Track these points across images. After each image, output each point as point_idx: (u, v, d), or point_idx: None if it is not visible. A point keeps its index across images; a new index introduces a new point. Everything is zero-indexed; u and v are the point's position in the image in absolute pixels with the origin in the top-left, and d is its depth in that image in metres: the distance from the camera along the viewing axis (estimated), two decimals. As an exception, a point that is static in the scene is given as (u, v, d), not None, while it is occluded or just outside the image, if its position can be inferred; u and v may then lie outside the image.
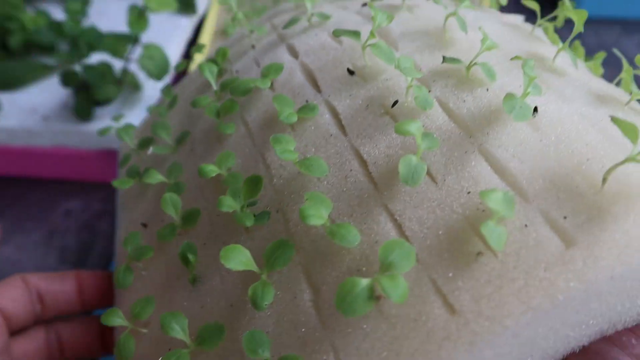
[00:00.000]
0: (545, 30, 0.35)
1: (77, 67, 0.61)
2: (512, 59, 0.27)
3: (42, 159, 0.64)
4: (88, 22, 0.71)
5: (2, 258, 0.59)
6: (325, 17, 0.34)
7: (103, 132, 0.39)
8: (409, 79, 0.26)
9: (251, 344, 0.21)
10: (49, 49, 0.67)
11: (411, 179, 0.23)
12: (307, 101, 0.30)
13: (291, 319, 0.23)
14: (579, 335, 0.22)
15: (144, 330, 0.27)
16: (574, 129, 0.24)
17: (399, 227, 0.23)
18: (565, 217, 0.21)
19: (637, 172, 0.22)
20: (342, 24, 0.34)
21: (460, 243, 0.21)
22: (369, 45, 0.28)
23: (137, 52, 0.62)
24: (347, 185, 0.25)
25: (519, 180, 0.22)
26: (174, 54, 0.75)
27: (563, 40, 0.31)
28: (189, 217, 0.29)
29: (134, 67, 0.64)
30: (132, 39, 0.61)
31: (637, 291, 0.22)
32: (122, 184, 0.34)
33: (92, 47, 0.61)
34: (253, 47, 0.37)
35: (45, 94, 0.64)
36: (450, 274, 0.21)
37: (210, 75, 0.34)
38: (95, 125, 0.61)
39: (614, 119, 0.21)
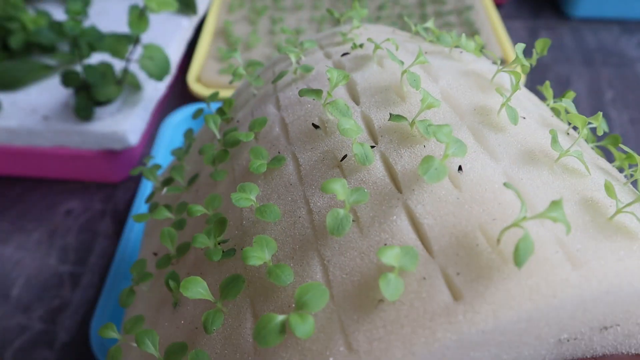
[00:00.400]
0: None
1: (78, 67, 0.60)
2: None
3: (42, 159, 0.64)
4: (88, 22, 0.72)
5: (2, 258, 0.58)
6: (307, 69, 0.39)
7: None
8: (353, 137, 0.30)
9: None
10: (49, 49, 0.67)
11: (337, 229, 0.27)
12: (279, 152, 0.34)
13: (234, 343, 0.27)
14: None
15: (133, 344, 0.33)
16: (491, 188, 0.27)
17: (325, 271, 0.27)
18: (458, 274, 0.24)
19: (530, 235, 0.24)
20: (321, 76, 0.38)
21: (368, 290, 0.25)
22: (327, 104, 0.32)
23: (137, 52, 0.62)
24: (295, 230, 0.30)
25: (429, 237, 0.26)
26: (175, 54, 0.76)
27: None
28: (181, 250, 0.35)
29: (134, 68, 0.64)
30: (132, 39, 0.60)
31: (517, 344, 0.24)
32: (140, 218, 0.40)
33: (92, 47, 0.61)
34: (254, 95, 0.42)
35: (46, 94, 0.64)
36: (355, 317, 0.24)
37: (214, 127, 0.39)
38: (95, 125, 0.62)
39: (506, 184, 0.24)
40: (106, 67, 0.62)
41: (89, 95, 0.59)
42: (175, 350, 0.29)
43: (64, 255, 0.59)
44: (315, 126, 0.34)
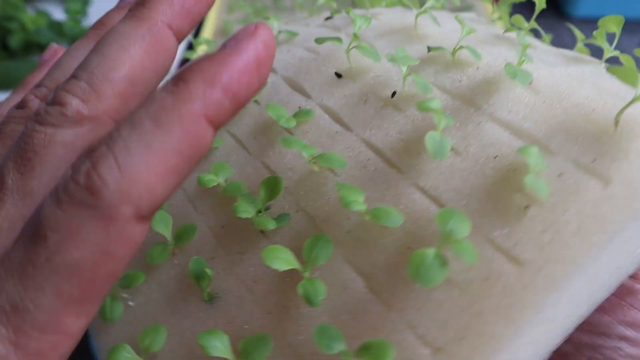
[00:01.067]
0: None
1: None
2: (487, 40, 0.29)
3: None
4: (88, 22, 0.70)
5: None
6: (293, 34, 0.35)
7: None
8: (404, 68, 0.27)
9: (324, 339, 0.19)
10: None
11: (439, 152, 0.23)
12: (299, 107, 0.29)
13: (349, 309, 0.21)
14: (631, 262, 0.22)
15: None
16: (569, 87, 0.26)
17: (437, 200, 0.23)
18: (594, 160, 0.22)
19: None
20: (310, 38, 0.34)
21: (505, 202, 0.21)
22: (353, 47, 0.29)
23: None
24: (368, 173, 0.25)
25: (539, 138, 0.23)
26: (174, 54, 0.76)
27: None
28: (184, 233, 0.27)
29: None
30: None
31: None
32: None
33: None
34: None
35: None
36: (506, 231, 0.21)
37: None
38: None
39: (610, 69, 0.23)
40: None
41: None
42: (254, 346, 0.21)
43: None
44: (338, 75, 0.30)
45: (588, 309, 0.23)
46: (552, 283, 0.19)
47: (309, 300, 0.20)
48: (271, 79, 0.32)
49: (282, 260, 0.21)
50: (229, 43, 0.17)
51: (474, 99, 0.26)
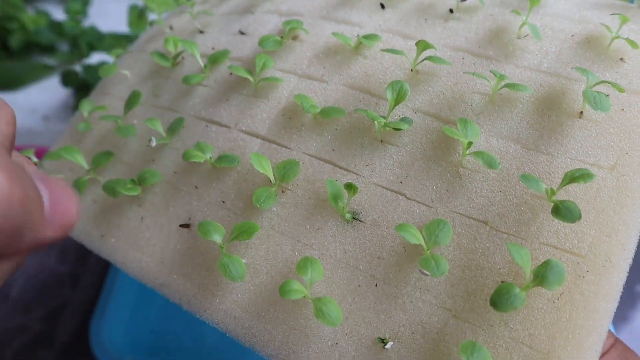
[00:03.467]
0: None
1: (77, 67, 0.60)
2: None
3: (42, 158, 0.53)
4: (88, 22, 0.70)
5: None
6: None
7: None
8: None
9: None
10: (49, 49, 0.67)
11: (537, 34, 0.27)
12: (356, 35, 0.31)
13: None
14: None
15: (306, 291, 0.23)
16: None
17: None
18: None
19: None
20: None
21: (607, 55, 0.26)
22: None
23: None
24: (465, 66, 0.27)
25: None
26: (175, 54, 0.73)
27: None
28: (287, 171, 0.27)
29: None
30: (132, 39, 0.62)
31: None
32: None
33: (92, 47, 0.62)
34: (200, 31, 0.36)
35: (46, 94, 0.65)
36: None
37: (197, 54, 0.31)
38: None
39: None
40: None
41: (88, 95, 0.55)
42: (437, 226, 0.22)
43: (63, 255, 0.56)
44: (382, 5, 0.32)
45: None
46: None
47: (490, 165, 0.23)
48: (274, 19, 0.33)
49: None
50: None
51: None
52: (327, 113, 0.27)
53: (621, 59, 0.26)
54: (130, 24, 0.60)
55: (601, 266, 0.22)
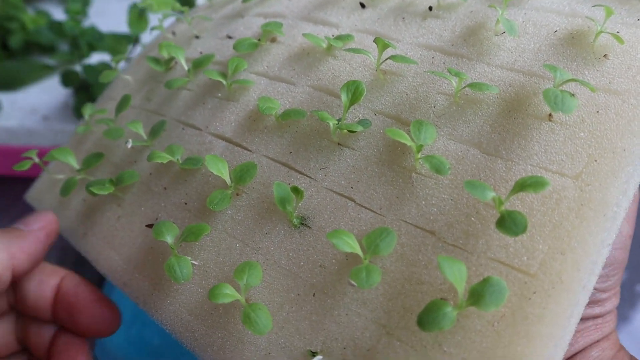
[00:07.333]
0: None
1: (77, 67, 0.61)
2: None
3: (42, 158, 0.57)
4: (88, 22, 0.70)
5: None
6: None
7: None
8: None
9: (477, 190, 0.19)
10: (49, 49, 0.66)
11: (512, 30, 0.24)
12: (332, 36, 0.30)
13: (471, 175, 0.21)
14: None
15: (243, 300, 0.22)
16: None
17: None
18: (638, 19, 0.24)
19: None
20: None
21: (586, 53, 0.23)
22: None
23: (137, 52, 0.62)
24: (434, 65, 0.26)
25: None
26: (175, 54, 0.75)
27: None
28: (243, 173, 0.26)
29: None
30: (132, 38, 0.62)
31: None
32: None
33: (92, 47, 0.62)
34: (196, 37, 0.37)
35: (45, 94, 0.64)
36: (598, 71, 0.22)
37: (182, 61, 0.32)
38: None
39: None
40: (106, 67, 0.60)
41: (88, 95, 0.59)
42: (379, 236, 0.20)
43: (63, 255, 0.58)
44: (362, 4, 0.31)
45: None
46: None
47: (437, 171, 0.21)
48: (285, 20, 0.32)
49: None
50: None
51: None
52: (287, 115, 0.27)
53: (605, 55, 0.23)
54: (130, 24, 0.60)
55: (551, 287, 0.19)
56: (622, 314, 0.50)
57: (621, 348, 0.29)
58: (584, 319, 0.27)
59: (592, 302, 0.27)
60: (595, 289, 0.27)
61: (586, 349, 0.27)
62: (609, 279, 0.28)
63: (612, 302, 0.29)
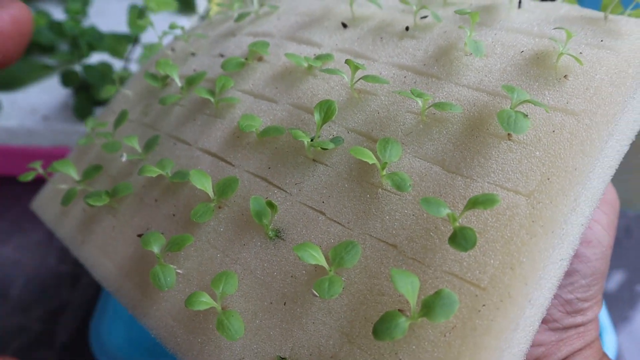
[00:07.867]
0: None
1: (77, 67, 0.61)
2: None
3: (42, 159, 0.60)
4: (88, 22, 0.71)
5: (1, 258, 0.59)
6: (274, 7, 0.37)
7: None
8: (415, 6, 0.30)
9: (432, 206, 0.20)
10: (49, 49, 0.67)
11: (477, 51, 0.25)
12: (314, 55, 0.31)
13: (434, 191, 0.22)
14: None
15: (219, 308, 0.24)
16: None
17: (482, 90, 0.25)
18: (601, 40, 0.25)
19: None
20: (297, 6, 0.36)
21: (547, 75, 0.24)
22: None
23: (137, 52, 0.63)
24: (407, 85, 0.27)
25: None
26: (175, 54, 0.76)
27: None
28: (225, 187, 0.27)
29: (134, 67, 0.64)
30: (131, 39, 0.62)
31: None
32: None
33: (92, 47, 0.62)
34: (192, 54, 0.38)
35: (45, 94, 0.64)
36: (557, 93, 0.23)
37: (176, 76, 0.33)
38: (97, 125, 0.62)
39: None
40: (105, 67, 0.61)
41: (88, 95, 0.60)
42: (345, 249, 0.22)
43: (63, 255, 0.58)
44: (344, 25, 0.32)
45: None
46: (607, 120, 0.21)
47: (398, 188, 0.22)
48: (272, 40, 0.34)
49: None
50: None
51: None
52: (266, 132, 0.28)
53: (565, 76, 0.24)
54: (130, 24, 0.60)
55: (499, 300, 0.20)
56: (622, 314, 0.50)
57: (604, 356, 0.30)
58: (566, 328, 0.28)
59: (574, 311, 0.28)
60: (577, 298, 0.28)
61: (569, 357, 0.28)
62: (590, 289, 0.28)
63: (594, 311, 0.29)
